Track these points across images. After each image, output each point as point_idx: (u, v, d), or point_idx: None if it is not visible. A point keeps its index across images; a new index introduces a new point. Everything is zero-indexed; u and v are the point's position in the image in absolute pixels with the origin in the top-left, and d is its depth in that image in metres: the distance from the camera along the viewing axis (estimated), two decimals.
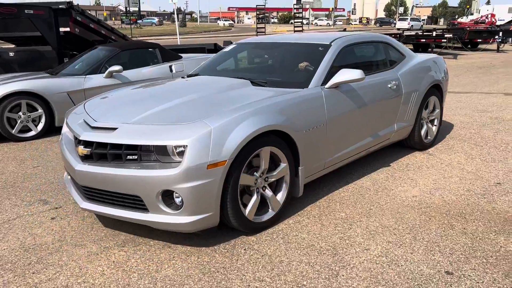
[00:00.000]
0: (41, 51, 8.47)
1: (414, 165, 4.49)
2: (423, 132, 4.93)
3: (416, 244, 2.89)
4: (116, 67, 6.10)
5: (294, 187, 3.34)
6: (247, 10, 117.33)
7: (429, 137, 5.07)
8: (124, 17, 49.71)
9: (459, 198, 3.64)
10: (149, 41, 11.61)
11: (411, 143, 4.92)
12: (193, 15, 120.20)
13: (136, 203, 2.77)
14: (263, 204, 3.12)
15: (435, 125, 5.17)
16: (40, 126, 5.80)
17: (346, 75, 3.53)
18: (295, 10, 31.81)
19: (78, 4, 9.96)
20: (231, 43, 11.34)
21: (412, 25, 44.62)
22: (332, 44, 3.96)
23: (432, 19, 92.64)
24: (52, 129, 5.97)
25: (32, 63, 8.28)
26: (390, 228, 3.12)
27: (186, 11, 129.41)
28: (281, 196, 3.21)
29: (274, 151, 3.05)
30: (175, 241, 2.98)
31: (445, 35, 17.06)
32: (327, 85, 3.58)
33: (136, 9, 70.99)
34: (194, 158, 2.60)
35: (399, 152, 4.91)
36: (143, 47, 6.89)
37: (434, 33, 17.57)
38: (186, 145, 2.61)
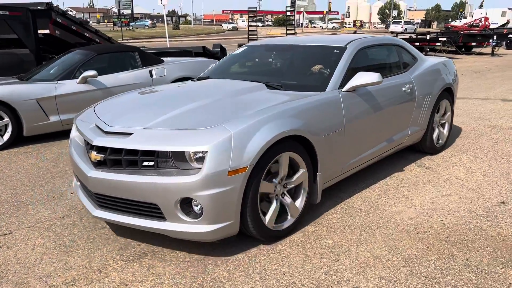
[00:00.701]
0: (19, 54, 8.04)
1: (410, 181, 4.10)
2: (435, 136, 4.86)
3: (413, 281, 2.50)
4: (91, 72, 5.68)
5: (312, 194, 3.25)
6: (242, 12, 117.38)
7: (440, 141, 5.01)
8: (116, 20, 49.24)
9: (460, 221, 3.26)
10: (140, 43, 11.20)
11: (423, 147, 4.85)
12: (187, 17, 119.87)
13: (152, 211, 2.68)
14: (281, 212, 3.02)
15: (446, 129, 5.10)
16: (6, 136, 5.36)
17: (363, 78, 3.45)
18: (288, 13, 31.60)
19: (58, 5, 9.52)
20: (221, 46, 10.99)
21: (405, 29, 44.56)
22: (347, 46, 3.87)
23: (426, 23, 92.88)
24: (20, 139, 5.54)
25: (9, 67, 7.82)
26: (383, 260, 2.73)
27: (179, 14, 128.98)
28: (299, 203, 3.12)
29: (293, 156, 2.96)
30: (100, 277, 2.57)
31: (439, 39, 16.78)
32: (344, 89, 3.50)
33: (129, 11, 70.57)
34: (214, 164, 2.50)
35: (393, 165, 4.53)
36: (121, 51, 6.48)
37: (428, 37, 17.31)
38: (207, 151, 2.51)
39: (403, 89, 4.19)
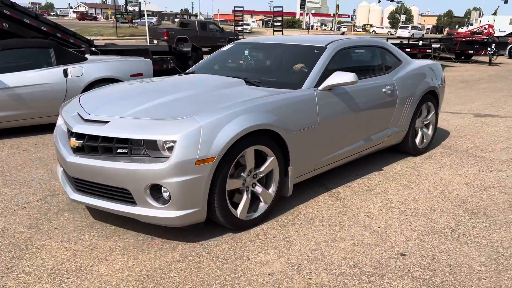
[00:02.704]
0: None
1: (306, 216, 3.37)
2: (418, 138, 4.98)
3: None
4: None
5: (284, 187, 3.37)
6: (252, 13, 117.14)
7: (425, 141, 5.10)
8: (119, 16, 48.93)
9: (332, 282, 2.53)
10: (131, 41, 10.67)
11: (405, 148, 4.94)
12: (199, 17, 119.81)
13: (124, 196, 2.82)
14: (254, 200, 3.17)
15: (430, 131, 5.17)
16: None
17: (339, 78, 3.55)
18: (274, 14, 31.72)
19: None
20: (193, 45, 10.45)
21: (413, 34, 43.57)
22: (327, 46, 3.98)
23: (437, 29, 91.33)
24: None
25: None
26: None
27: (191, 13, 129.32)
28: (273, 189, 3.26)
29: (264, 150, 3.09)
30: None
31: (432, 45, 15.90)
32: (320, 87, 3.60)
33: (137, 8, 70.61)
34: (182, 154, 2.64)
35: (303, 195, 3.79)
36: (32, 47, 5.80)
37: (420, 43, 16.45)
38: (175, 140, 2.64)
39: (383, 90, 4.27)
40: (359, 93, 3.95)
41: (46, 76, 5.62)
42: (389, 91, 4.33)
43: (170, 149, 2.67)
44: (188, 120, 2.77)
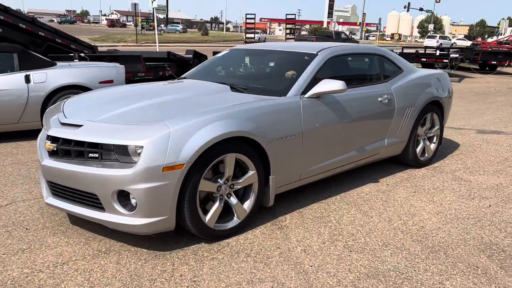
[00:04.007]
0: None
1: (232, 249, 2.91)
2: (419, 149, 4.76)
3: None
4: None
5: (265, 197, 3.28)
6: (279, 21, 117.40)
7: (426, 155, 4.87)
8: (144, 23, 49.94)
9: None
10: (152, 48, 10.74)
11: (406, 160, 4.75)
12: (228, 25, 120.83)
13: (94, 201, 2.78)
14: (229, 212, 3.07)
15: (433, 143, 4.97)
16: None
17: (327, 85, 3.44)
18: (286, 21, 32.29)
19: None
20: (194, 52, 10.37)
21: (441, 43, 42.27)
22: (318, 53, 3.88)
23: (470, 38, 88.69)
24: None
25: None
26: None
27: (220, 21, 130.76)
28: (248, 205, 3.14)
29: (242, 158, 2.99)
30: None
31: (450, 55, 15.10)
32: (307, 95, 3.50)
33: (164, 16, 72.14)
34: (149, 160, 2.58)
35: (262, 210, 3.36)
36: None
37: (437, 52, 15.66)
38: (142, 146, 2.59)
39: (380, 99, 4.13)
40: (351, 101, 3.82)
41: (7, 82, 5.38)
42: (386, 100, 4.17)
43: (139, 154, 2.61)
44: (159, 125, 2.72)
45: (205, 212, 2.91)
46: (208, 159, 2.78)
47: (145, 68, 8.76)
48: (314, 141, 3.51)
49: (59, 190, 2.97)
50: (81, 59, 8.24)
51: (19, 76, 5.47)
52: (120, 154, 2.68)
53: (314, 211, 3.58)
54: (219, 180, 2.94)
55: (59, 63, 6.13)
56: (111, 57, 8.58)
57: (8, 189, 3.91)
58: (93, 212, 2.79)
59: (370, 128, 4.06)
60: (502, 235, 3.25)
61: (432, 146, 4.94)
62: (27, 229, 3.14)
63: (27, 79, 5.50)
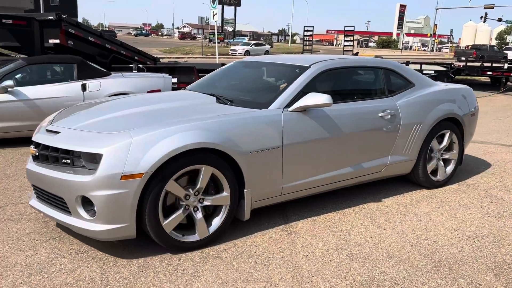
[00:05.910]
0: None
1: (237, 250, 3.07)
2: (430, 169, 4.46)
3: None
4: (8, 82, 5.50)
5: (240, 210, 3.25)
6: (347, 33, 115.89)
7: (438, 176, 4.54)
8: (211, 36, 51.89)
9: None
10: (212, 60, 11.32)
11: (417, 180, 4.48)
12: (295, 37, 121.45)
13: (63, 205, 2.91)
14: (193, 227, 3.06)
15: (449, 166, 4.64)
16: None
17: (311, 99, 3.36)
18: (344, 33, 31.93)
19: (66, 15, 9.71)
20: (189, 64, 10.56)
21: None
22: (310, 66, 3.80)
23: None
24: None
25: None
26: None
27: (287, 33, 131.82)
28: (216, 222, 3.12)
29: (218, 175, 3.01)
30: None
31: None
32: (291, 108, 3.43)
33: (232, 29, 73.98)
34: (107, 167, 2.66)
35: (236, 227, 3.49)
36: (56, 62, 6.24)
37: (505, 65, 14.76)
38: (102, 154, 2.68)
39: (380, 114, 3.96)
40: (344, 116, 3.70)
41: (65, 90, 6.00)
42: (389, 116, 4.00)
43: (99, 162, 2.71)
44: (122, 134, 2.79)
45: (167, 218, 2.92)
46: (172, 169, 2.80)
47: (198, 78, 9.24)
48: (298, 156, 3.42)
49: (39, 193, 3.14)
50: (139, 70, 8.87)
51: (77, 85, 6.08)
52: (87, 161, 2.77)
53: (328, 220, 3.64)
54: (190, 189, 2.96)
55: (113, 73, 6.71)
56: (169, 68, 9.16)
57: None
58: (63, 215, 2.93)
59: (367, 144, 3.89)
60: None
61: (449, 168, 4.62)
62: None
63: (84, 87, 6.09)
